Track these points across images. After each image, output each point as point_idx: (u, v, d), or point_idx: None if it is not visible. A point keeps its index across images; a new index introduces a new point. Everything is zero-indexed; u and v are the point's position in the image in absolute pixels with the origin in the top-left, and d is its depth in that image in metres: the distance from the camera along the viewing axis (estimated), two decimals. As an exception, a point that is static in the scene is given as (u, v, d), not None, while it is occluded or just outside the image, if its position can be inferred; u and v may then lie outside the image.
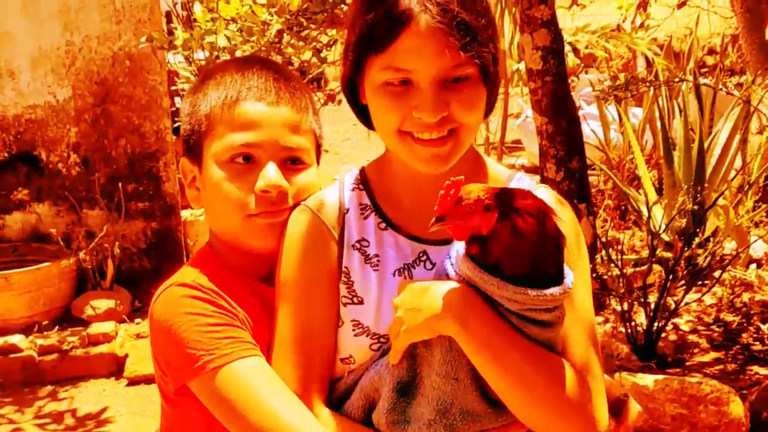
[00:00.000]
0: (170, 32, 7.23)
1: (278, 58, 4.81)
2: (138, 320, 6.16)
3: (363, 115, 1.87)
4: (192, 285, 1.93)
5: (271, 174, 1.93)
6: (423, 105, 1.69)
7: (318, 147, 2.09)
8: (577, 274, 1.73)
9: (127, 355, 5.70)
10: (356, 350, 1.82)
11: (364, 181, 1.92)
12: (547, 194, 1.88)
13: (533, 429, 1.70)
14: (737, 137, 6.20)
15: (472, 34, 1.68)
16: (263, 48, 4.34)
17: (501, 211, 1.59)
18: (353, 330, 1.82)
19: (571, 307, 1.74)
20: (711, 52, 11.60)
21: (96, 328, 5.89)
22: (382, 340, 1.81)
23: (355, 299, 1.83)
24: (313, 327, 1.82)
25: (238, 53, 4.39)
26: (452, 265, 1.68)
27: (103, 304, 6.15)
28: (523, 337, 1.65)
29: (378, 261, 1.83)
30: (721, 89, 6.11)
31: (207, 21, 4.53)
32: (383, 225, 1.86)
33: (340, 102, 5.41)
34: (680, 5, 4.77)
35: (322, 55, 4.49)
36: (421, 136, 1.73)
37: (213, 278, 1.95)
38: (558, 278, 1.63)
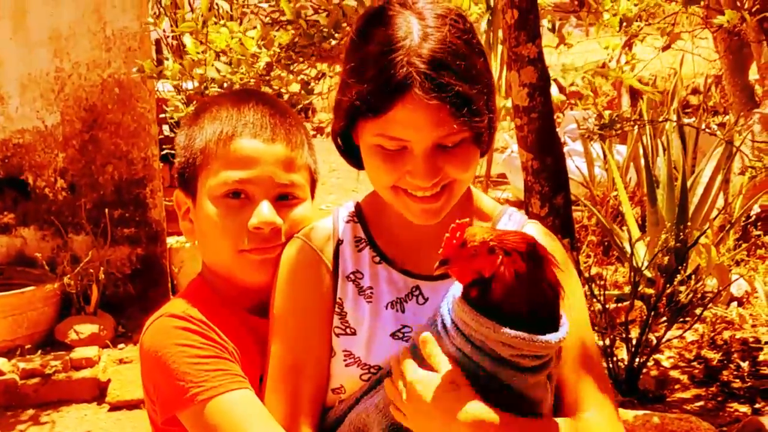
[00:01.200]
0: (159, 61, 7.28)
1: (267, 90, 4.86)
2: (121, 345, 6.15)
3: (353, 155, 1.87)
4: (182, 317, 1.94)
5: (264, 211, 1.94)
6: (417, 172, 1.71)
7: (313, 182, 2.11)
8: (575, 305, 1.82)
9: (109, 380, 5.68)
10: (347, 380, 1.83)
11: (359, 214, 1.93)
12: (536, 229, 1.92)
13: None
14: (720, 177, 6.27)
15: (467, 105, 1.68)
16: (252, 80, 4.38)
17: (505, 254, 1.60)
18: (344, 360, 1.83)
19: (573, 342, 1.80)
20: (695, 91, 11.70)
21: (79, 352, 5.88)
22: (372, 370, 1.82)
23: (347, 330, 1.84)
24: (305, 358, 1.83)
25: (226, 85, 4.42)
26: (449, 310, 1.68)
27: (86, 329, 6.14)
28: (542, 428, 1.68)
29: (371, 293, 1.85)
30: (704, 129, 6.18)
31: (197, 52, 4.57)
32: (377, 258, 1.88)
33: (329, 134, 5.45)
34: (665, 48, 4.83)
35: (310, 87, 4.53)
36: (415, 193, 1.75)
37: (204, 310, 1.96)
38: (553, 326, 1.64)
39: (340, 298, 1.85)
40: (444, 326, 1.67)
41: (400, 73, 1.66)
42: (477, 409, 1.61)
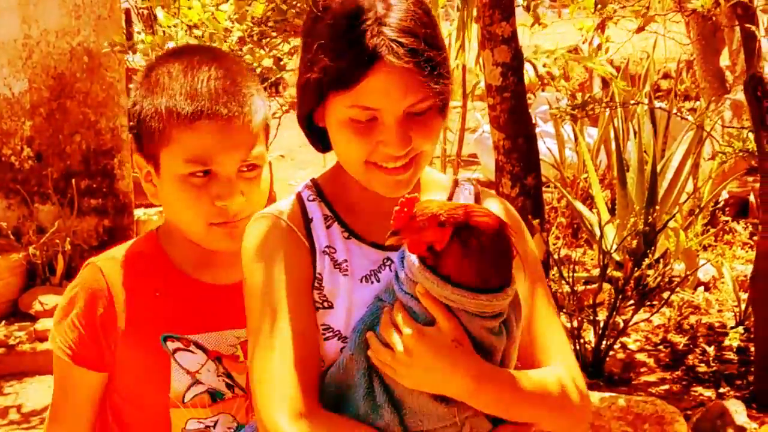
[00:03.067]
0: (129, 33, 7.21)
1: (241, 63, 4.81)
2: (86, 318, 6.10)
3: (317, 137, 1.89)
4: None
5: (229, 189, 1.98)
6: (390, 140, 1.73)
7: (267, 130, 2.12)
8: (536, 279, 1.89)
9: (74, 353, 5.64)
10: (326, 354, 1.82)
11: (319, 193, 1.92)
12: (490, 197, 1.98)
13: None
14: (690, 161, 6.30)
15: (435, 69, 1.73)
16: (224, 54, 4.33)
17: (456, 228, 1.62)
18: (324, 334, 1.82)
19: (535, 312, 1.86)
20: (666, 76, 11.76)
21: (44, 323, 5.81)
22: None
23: (325, 304, 1.83)
24: (306, 329, 1.81)
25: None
26: (403, 267, 1.71)
27: (51, 300, 6.07)
28: (523, 381, 1.73)
29: (347, 266, 1.84)
30: (675, 113, 6.20)
31: (169, 26, 4.52)
32: (346, 234, 1.87)
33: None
34: (639, 30, 4.81)
35: (282, 62, 4.49)
36: (386, 165, 1.77)
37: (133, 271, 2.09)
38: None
39: (319, 273, 1.84)
40: (398, 280, 1.71)
41: (370, 43, 1.69)
42: (478, 363, 1.67)
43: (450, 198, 1.94)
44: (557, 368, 1.83)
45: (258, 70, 4.87)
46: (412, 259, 1.67)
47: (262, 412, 1.75)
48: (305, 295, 1.82)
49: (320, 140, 1.89)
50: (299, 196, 1.92)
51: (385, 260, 1.86)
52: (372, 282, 1.84)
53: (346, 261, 1.85)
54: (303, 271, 1.84)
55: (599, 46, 6.59)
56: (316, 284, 1.83)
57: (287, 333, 1.79)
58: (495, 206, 1.92)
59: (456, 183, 2.00)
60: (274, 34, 4.30)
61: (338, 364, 1.78)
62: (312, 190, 1.93)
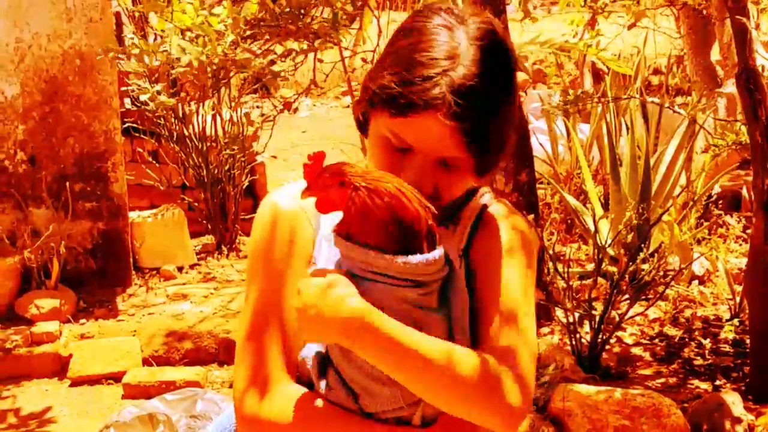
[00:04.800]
0: (119, 36, 7.21)
1: (232, 68, 4.83)
2: (83, 320, 6.10)
3: (363, 126, 1.91)
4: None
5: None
6: (410, 177, 1.75)
7: None
8: (511, 271, 1.84)
9: (71, 355, 5.63)
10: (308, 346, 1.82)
11: None
12: (501, 208, 1.96)
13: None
14: (682, 155, 6.31)
15: (482, 140, 1.74)
16: (217, 57, 4.35)
17: (354, 188, 1.66)
18: None
19: (496, 296, 1.81)
20: (656, 72, 11.79)
21: (40, 327, 5.82)
22: None
23: None
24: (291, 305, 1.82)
25: (193, 62, 4.39)
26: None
27: (47, 304, 6.08)
28: (421, 341, 1.65)
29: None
30: (667, 107, 6.21)
31: (162, 30, 4.54)
32: None
33: (295, 110, 5.42)
34: (630, 26, 4.84)
35: (275, 66, 4.51)
36: None
37: None
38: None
39: (314, 257, 1.86)
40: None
41: (431, 90, 1.70)
42: (358, 304, 1.63)
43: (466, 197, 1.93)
44: (488, 356, 1.70)
45: (249, 73, 4.90)
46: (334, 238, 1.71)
47: (234, 378, 1.83)
48: (299, 273, 1.83)
49: (365, 130, 1.91)
50: None
51: None
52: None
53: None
54: (302, 251, 1.87)
55: (590, 39, 6.62)
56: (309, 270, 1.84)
57: (271, 305, 1.84)
58: (502, 210, 1.94)
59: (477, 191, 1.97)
60: (267, 36, 4.31)
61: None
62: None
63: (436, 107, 1.69)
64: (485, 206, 1.94)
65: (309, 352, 1.77)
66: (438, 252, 1.69)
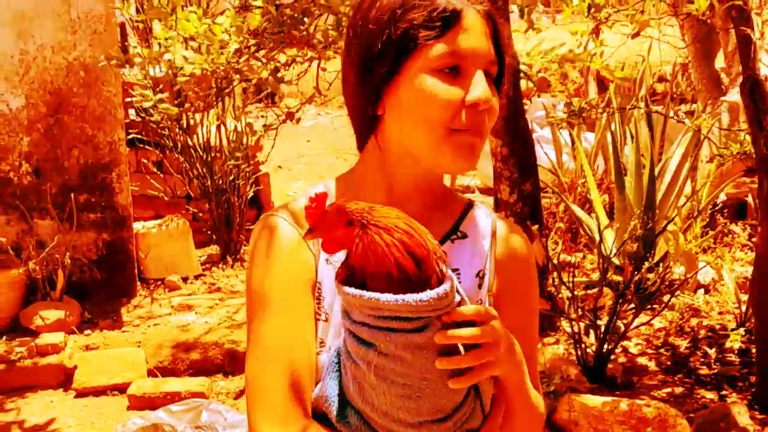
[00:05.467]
0: (124, 47, 7.22)
1: (236, 77, 4.83)
2: (87, 331, 6.10)
3: (364, 126, 1.86)
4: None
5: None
6: (480, 90, 1.71)
7: None
8: (531, 307, 1.91)
9: (75, 367, 5.63)
10: (321, 368, 1.76)
11: (331, 197, 1.88)
12: (501, 223, 1.93)
13: None
14: (687, 164, 6.30)
15: (500, 37, 1.78)
16: (221, 66, 4.35)
17: (362, 226, 1.60)
18: (319, 348, 1.78)
19: (517, 334, 1.78)
20: (661, 79, 11.77)
21: (45, 338, 5.82)
22: None
23: (323, 316, 1.79)
24: (301, 337, 1.78)
25: (196, 71, 4.39)
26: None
27: (52, 315, 6.09)
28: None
29: None
30: (672, 117, 6.21)
31: (165, 38, 4.54)
32: None
33: (298, 120, 5.43)
34: (634, 35, 4.83)
35: (279, 74, 4.50)
36: (470, 120, 1.73)
37: None
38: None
39: (319, 281, 1.81)
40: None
41: (453, 2, 1.74)
42: None
43: (462, 218, 1.91)
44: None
45: (253, 82, 4.89)
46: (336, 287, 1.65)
47: (251, 418, 1.74)
48: (304, 303, 1.79)
49: (368, 132, 1.86)
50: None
51: None
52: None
53: None
54: (305, 279, 1.81)
55: (594, 49, 6.62)
56: (316, 294, 1.80)
57: (281, 340, 1.76)
58: (515, 235, 1.92)
59: (469, 204, 1.95)
60: (271, 45, 4.31)
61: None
62: (324, 193, 1.91)
63: (465, 9, 1.73)
64: (493, 221, 1.92)
65: (326, 391, 1.71)
66: (448, 284, 1.62)
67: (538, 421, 1.85)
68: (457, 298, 1.65)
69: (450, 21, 1.71)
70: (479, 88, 1.71)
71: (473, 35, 1.72)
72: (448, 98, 1.72)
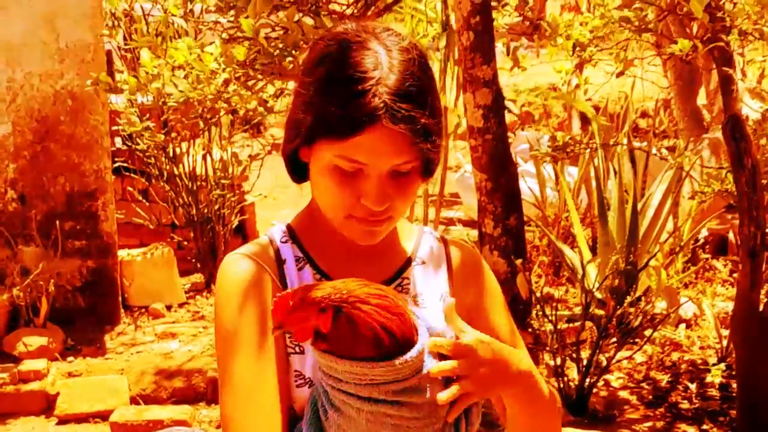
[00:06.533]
0: (111, 73, 7.25)
1: (224, 106, 4.87)
2: (70, 358, 6.10)
3: (297, 169, 1.89)
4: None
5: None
6: (371, 196, 1.75)
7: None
8: (499, 311, 2.00)
9: (58, 394, 5.62)
10: (297, 400, 1.81)
11: (292, 236, 1.92)
12: (459, 245, 2.02)
13: None
14: (669, 200, 6.37)
15: (427, 135, 1.74)
16: (210, 96, 4.39)
17: (336, 309, 1.62)
18: (296, 381, 1.81)
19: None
20: (643, 115, 11.88)
21: (27, 365, 5.81)
22: None
23: (297, 348, 1.82)
24: (272, 375, 1.80)
25: (190, 95, 4.42)
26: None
27: (35, 341, 6.08)
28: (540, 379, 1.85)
29: None
30: (655, 154, 6.28)
31: (153, 66, 4.57)
32: (318, 276, 1.87)
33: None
34: (619, 74, 4.91)
35: (268, 104, 4.54)
36: (365, 218, 1.79)
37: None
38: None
39: None
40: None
41: (371, 102, 1.70)
42: (527, 359, 1.88)
43: (416, 245, 1.98)
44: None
45: (242, 112, 4.93)
46: (318, 357, 1.68)
47: None
48: (268, 340, 1.82)
49: (299, 173, 1.89)
50: (272, 238, 1.93)
51: None
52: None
53: None
54: (267, 316, 1.81)
55: (577, 86, 6.70)
56: None
57: (253, 379, 1.79)
58: (456, 252, 1.99)
59: (421, 231, 2.03)
60: (260, 76, 4.35)
61: None
62: (284, 232, 1.94)
63: (381, 117, 1.69)
64: (445, 241, 2.02)
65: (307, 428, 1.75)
66: (419, 345, 1.66)
67: (557, 415, 1.93)
68: (438, 329, 1.72)
69: (359, 127, 1.70)
70: (372, 196, 1.75)
71: (380, 143, 1.72)
72: (341, 197, 1.77)
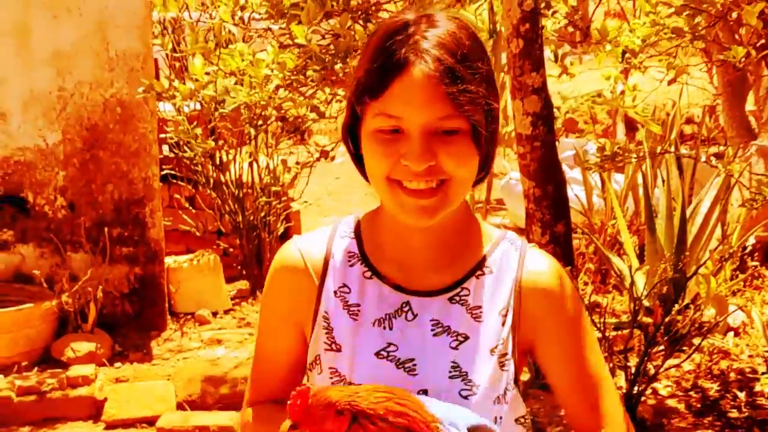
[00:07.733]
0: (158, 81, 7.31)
1: (274, 112, 4.90)
2: (118, 364, 6.15)
3: (361, 164, 1.84)
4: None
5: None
6: (410, 153, 1.68)
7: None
8: (588, 339, 1.90)
9: (105, 399, 5.67)
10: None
11: (356, 230, 1.91)
12: (537, 254, 1.91)
13: None
14: (718, 208, 6.31)
15: (463, 88, 1.67)
16: (262, 102, 4.42)
17: (353, 419, 1.60)
18: (330, 378, 1.82)
19: (586, 370, 1.87)
20: (689, 121, 11.79)
21: (75, 370, 5.86)
22: None
23: (333, 346, 1.83)
24: (270, 359, 1.97)
25: (243, 99, 4.45)
26: None
27: (83, 347, 6.14)
28: None
29: (358, 310, 1.83)
30: (704, 162, 6.23)
31: (205, 73, 4.61)
32: (368, 274, 1.85)
33: (332, 158, 5.49)
34: (671, 82, 4.88)
35: (321, 110, 4.56)
36: (409, 185, 1.71)
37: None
38: None
39: (326, 312, 1.85)
40: None
41: (402, 51, 1.69)
42: None
43: (490, 251, 1.88)
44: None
45: (290, 118, 4.96)
46: None
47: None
48: (284, 330, 1.92)
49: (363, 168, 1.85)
50: (333, 230, 1.94)
51: (403, 305, 1.83)
52: (385, 327, 1.82)
53: (358, 305, 1.84)
54: (295, 310, 1.91)
55: (622, 92, 6.66)
56: (324, 324, 1.85)
57: (262, 353, 1.98)
58: (532, 264, 1.88)
59: (502, 236, 1.93)
60: (311, 83, 4.38)
61: None
62: (351, 226, 1.94)
63: (411, 64, 1.67)
64: (523, 250, 1.90)
65: None
66: None
67: None
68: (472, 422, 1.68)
69: (390, 76, 1.69)
70: (411, 153, 1.69)
71: (411, 91, 1.68)
72: (382, 158, 1.73)
